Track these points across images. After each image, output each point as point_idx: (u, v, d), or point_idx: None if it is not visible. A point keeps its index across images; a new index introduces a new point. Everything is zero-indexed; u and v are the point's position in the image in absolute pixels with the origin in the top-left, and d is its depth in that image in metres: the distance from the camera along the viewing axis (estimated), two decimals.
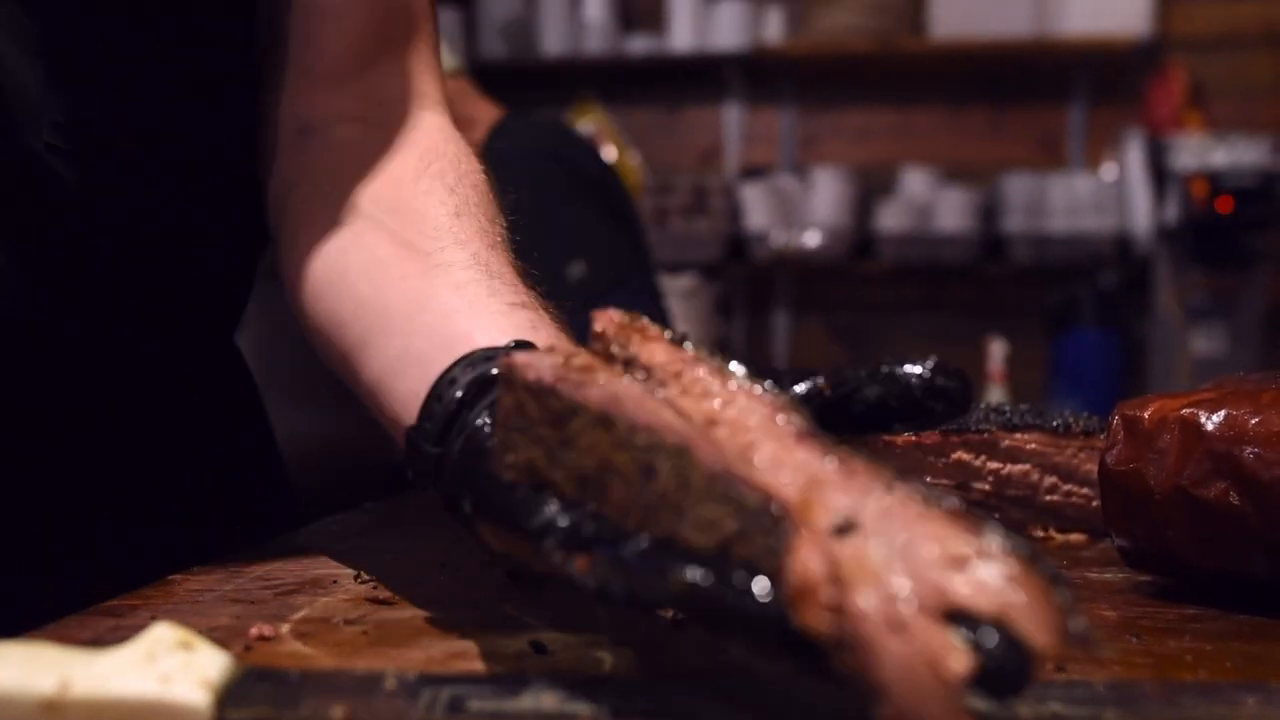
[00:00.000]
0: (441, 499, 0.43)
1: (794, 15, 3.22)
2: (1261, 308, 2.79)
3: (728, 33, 3.17)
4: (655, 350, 0.37)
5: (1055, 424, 0.63)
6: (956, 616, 0.27)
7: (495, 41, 3.29)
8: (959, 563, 0.28)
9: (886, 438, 0.62)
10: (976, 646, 0.26)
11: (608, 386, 0.35)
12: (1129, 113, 3.09)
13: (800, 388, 0.40)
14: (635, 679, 0.36)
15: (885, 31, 3.09)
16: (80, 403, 0.58)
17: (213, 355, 0.67)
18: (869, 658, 0.27)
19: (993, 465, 0.63)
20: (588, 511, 0.34)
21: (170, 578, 0.49)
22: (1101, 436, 0.57)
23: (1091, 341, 2.94)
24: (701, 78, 3.31)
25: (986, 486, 0.63)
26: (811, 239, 3.10)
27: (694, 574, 0.30)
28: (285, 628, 0.41)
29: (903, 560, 0.28)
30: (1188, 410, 0.47)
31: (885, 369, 0.39)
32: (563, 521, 0.34)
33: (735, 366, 0.36)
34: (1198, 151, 2.73)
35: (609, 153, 3.34)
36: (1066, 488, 0.63)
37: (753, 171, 3.27)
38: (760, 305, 3.38)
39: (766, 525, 0.30)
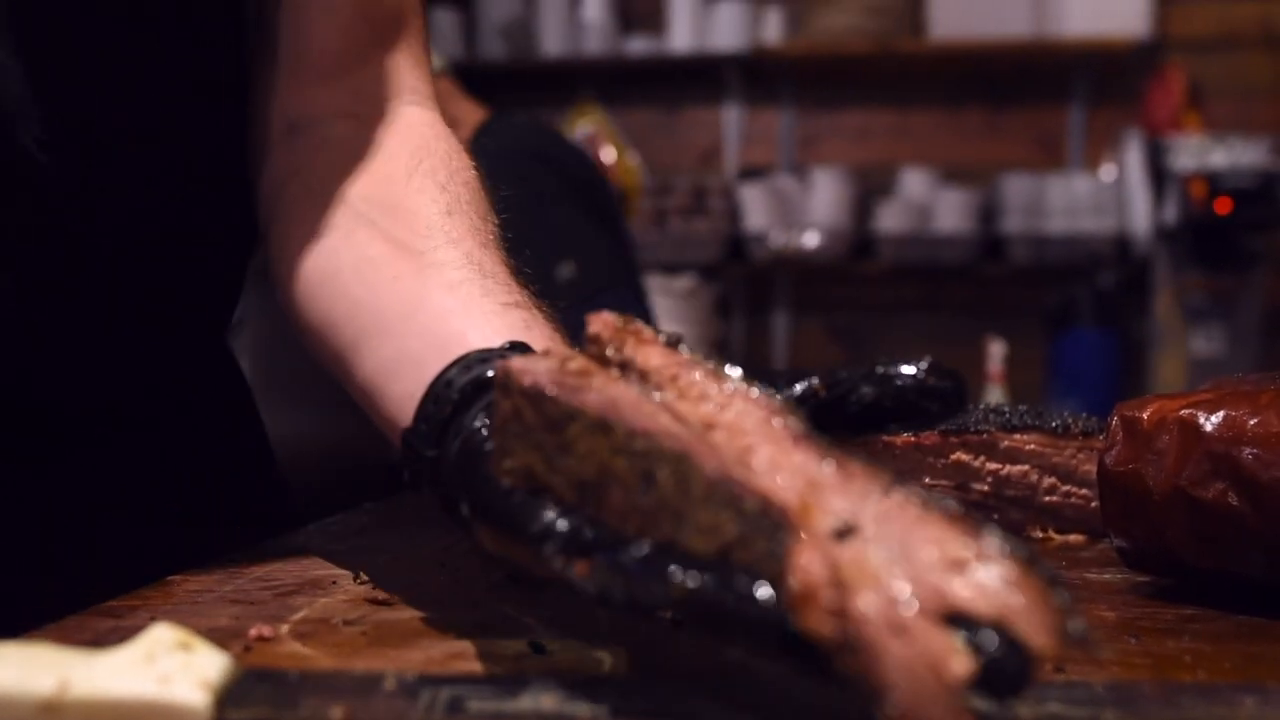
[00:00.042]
0: (438, 500, 0.43)
1: (793, 16, 3.22)
2: (1260, 308, 2.79)
3: (727, 33, 3.18)
4: (651, 353, 0.37)
5: (1054, 425, 0.63)
6: (956, 619, 0.27)
7: (494, 42, 3.29)
8: (958, 565, 0.28)
9: (886, 438, 0.62)
10: (977, 649, 0.26)
11: (605, 391, 0.35)
12: (1128, 113, 3.10)
13: (796, 389, 0.40)
14: (634, 679, 0.36)
15: (884, 32, 3.09)
16: (77, 403, 0.58)
17: (208, 355, 0.67)
18: (871, 660, 0.27)
19: (992, 466, 0.63)
20: (587, 517, 0.34)
21: (169, 578, 0.49)
22: (1100, 437, 0.57)
23: (1090, 342, 2.94)
24: (701, 78, 3.31)
25: (985, 487, 0.63)
26: (810, 239, 3.10)
27: (695, 579, 0.30)
28: (284, 628, 0.41)
29: (903, 563, 0.28)
30: (1186, 411, 0.47)
31: (880, 370, 0.39)
32: (562, 526, 0.34)
33: (731, 369, 0.36)
34: (1196, 152, 2.73)
35: (608, 153, 3.34)
36: (1065, 488, 0.63)
37: (752, 172, 3.28)
38: (759, 306, 3.38)
39: (767, 530, 0.30)
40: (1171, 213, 2.75)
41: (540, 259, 0.55)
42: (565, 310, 0.52)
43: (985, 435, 0.62)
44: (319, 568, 0.52)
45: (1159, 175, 2.79)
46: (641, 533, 0.32)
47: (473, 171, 0.58)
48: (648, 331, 0.38)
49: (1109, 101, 3.18)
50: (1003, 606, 0.27)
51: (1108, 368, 2.93)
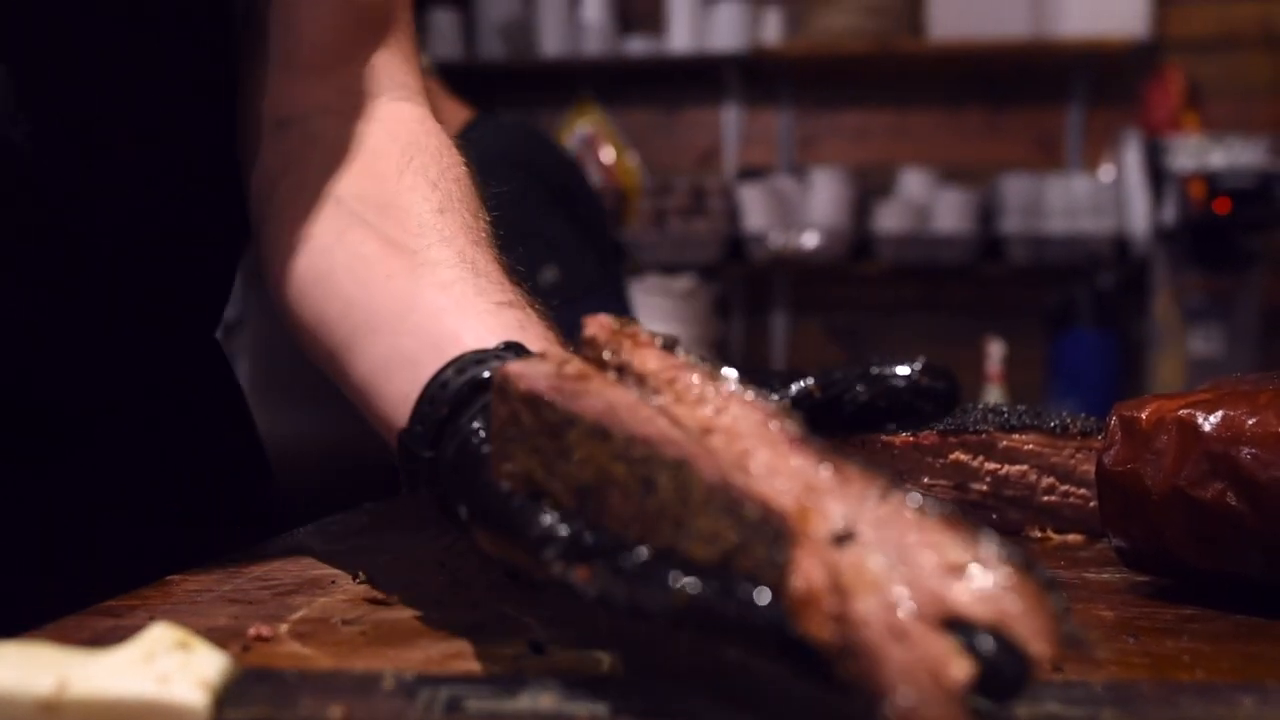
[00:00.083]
0: (435, 501, 0.43)
1: (792, 16, 3.23)
2: (1259, 308, 2.80)
3: (726, 34, 3.18)
4: (647, 357, 0.37)
5: (1053, 425, 0.63)
6: (955, 623, 0.28)
7: (494, 42, 3.29)
8: (956, 570, 0.28)
9: (885, 438, 0.62)
10: (975, 653, 0.27)
11: (603, 396, 0.35)
12: (1126, 114, 3.10)
13: (791, 390, 0.40)
14: (633, 679, 0.36)
15: (883, 32, 3.09)
16: (73, 402, 0.58)
17: (204, 353, 0.67)
18: (872, 665, 0.28)
19: (990, 466, 0.63)
20: (587, 522, 0.34)
21: (168, 578, 0.49)
22: (1099, 437, 0.57)
23: (1089, 342, 2.95)
24: (700, 79, 3.31)
25: (984, 487, 0.63)
26: (810, 240, 3.10)
27: (696, 586, 0.30)
28: (283, 628, 0.41)
29: (901, 569, 0.29)
30: (1185, 411, 0.47)
31: (874, 370, 0.39)
32: (562, 532, 0.34)
33: (727, 371, 0.36)
34: (1195, 152, 2.73)
35: (607, 154, 3.34)
36: (1064, 488, 0.63)
37: (751, 172, 3.28)
38: (759, 306, 3.38)
39: (767, 537, 0.30)
40: (1170, 213, 2.75)
41: (522, 264, 0.55)
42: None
43: (984, 435, 0.63)
44: (318, 567, 0.52)
45: (1158, 175, 2.79)
46: (642, 539, 0.32)
47: (463, 168, 0.58)
48: (644, 334, 0.38)
49: (1108, 102, 3.18)
50: (1000, 611, 0.28)
51: (1106, 368, 2.93)
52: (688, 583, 0.31)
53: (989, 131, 3.27)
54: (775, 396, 0.40)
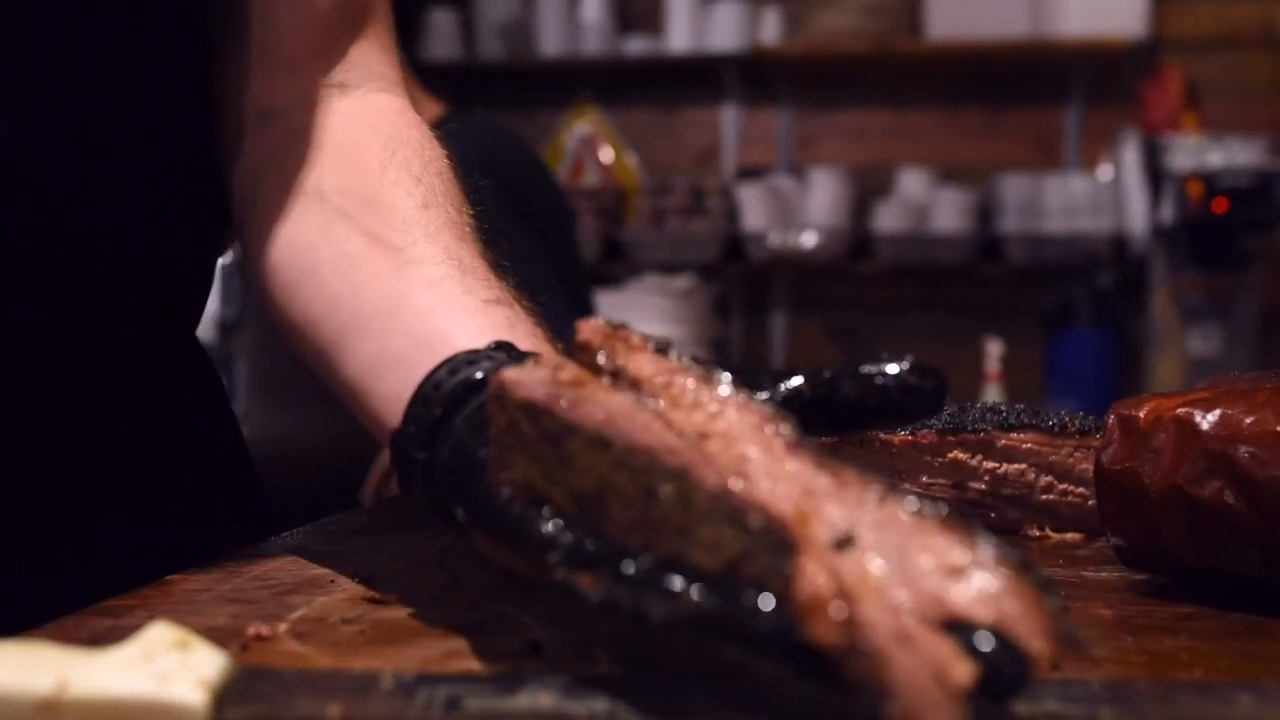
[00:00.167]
0: (430, 502, 0.43)
1: (791, 16, 3.23)
2: (1257, 308, 2.80)
3: (725, 34, 3.18)
4: (642, 361, 0.37)
5: (1051, 423, 0.63)
6: (954, 624, 0.28)
7: (493, 42, 3.29)
8: (955, 573, 0.29)
9: (883, 437, 0.63)
10: (975, 653, 0.28)
11: (601, 404, 0.35)
12: (1125, 113, 3.10)
13: (781, 389, 0.40)
14: (632, 678, 0.36)
15: (882, 32, 3.09)
16: (70, 402, 0.58)
17: (187, 351, 0.67)
18: (877, 667, 0.28)
19: (989, 465, 0.63)
20: (589, 529, 0.34)
21: (168, 577, 0.49)
22: (1097, 436, 0.57)
23: (1087, 341, 2.95)
24: (699, 78, 3.31)
25: (982, 486, 0.63)
26: (809, 239, 3.10)
27: (703, 593, 0.31)
28: (282, 627, 0.41)
29: (902, 573, 0.29)
30: (1183, 409, 0.47)
31: (863, 369, 0.39)
32: (565, 539, 0.34)
33: (721, 375, 0.36)
34: (1193, 152, 2.73)
35: (606, 154, 3.34)
36: (1062, 487, 0.63)
37: (750, 172, 3.28)
38: (757, 305, 3.38)
39: (771, 545, 0.30)
40: (1168, 212, 2.75)
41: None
42: None
43: (982, 434, 0.63)
44: (317, 567, 0.52)
45: (1156, 175, 2.79)
46: (645, 547, 0.32)
47: (445, 161, 0.58)
48: (637, 337, 0.38)
49: (1106, 101, 3.18)
50: (999, 611, 0.28)
51: (1105, 367, 2.93)
52: (693, 590, 0.31)
53: (987, 131, 3.27)
54: (766, 395, 0.40)
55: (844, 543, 0.30)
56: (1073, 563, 0.56)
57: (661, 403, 0.36)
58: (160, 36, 0.58)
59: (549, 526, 0.34)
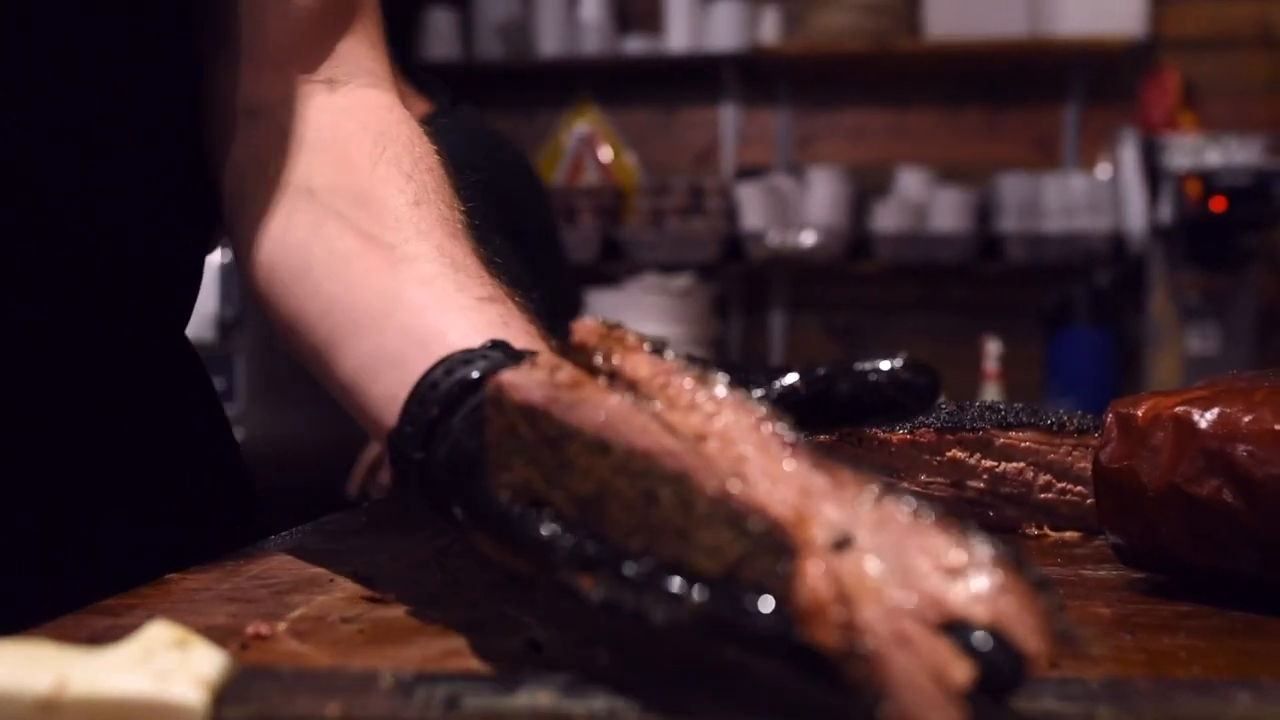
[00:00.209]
0: (427, 501, 0.43)
1: (790, 16, 3.22)
2: (1255, 307, 2.80)
3: (724, 33, 3.17)
4: (638, 362, 0.37)
5: (1050, 422, 0.63)
6: (952, 624, 0.28)
7: (492, 42, 3.28)
8: (952, 573, 0.29)
9: (882, 436, 0.63)
10: (973, 653, 0.28)
11: (599, 406, 0.35)
12: (1123, 113, 3.10)
13: (776, 386, 0.40)
14: (631, 677, 0.36)
15: (881, 32, 3.09)
16: (69, 402, 0.58)
17: (179, 350, 0.67)
18: (877, 668, 0.28)
19: (987, 463, 0.63)
20: (589, 532, 0.34)
21: (167, 576, 0.49)
22: (1096, 434, 0.57)
23: (1086, 340, 2.95)
24: (698, 78, 3.31)
25: (981, 484, 0.63)
26: (808, 239, 3.10)
27: (705, 598, 0.31)
28: (282, 626, 0.41)
29: (900, 574, 0.29)
30: (1181, 408, 0.47)
31: (856, 366, 0.39)
32: (565, 542, 0.34)
33: (717, 374, 0.36)
34: (1192, 151, 2.74)
35: (605, 153, 3.34)
36: (1061, 485, 0.63)
37: (749, 172, 3.27)
38: (757, 305, 3.38)
39: (771, 548, 0.31)
40: (1167, 211, 2.75)
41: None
42: None
43: (981, 433, 0.63)
44: (316, 566, 0.52)
45: (1154, 174, 2.79)
46: (645, 550, 0.33)
47: (436, 157, 0.58)
48: (632, 337, 0.38)
49: (1105, 101, 3.18)
50: (996, 611, 0.28)
51: (1103, 366, 2.93)
52: (695, 592, 0.31)
53: (987, 131, 3.27)
54: (761, 392, 0.40)
55: (842, 544, 0.30)
56: (1071, 561, 0.56)
57: (658, 404, 0.36)
58: (156, 35, 0.57)
59: (549, 529, 0.34)
